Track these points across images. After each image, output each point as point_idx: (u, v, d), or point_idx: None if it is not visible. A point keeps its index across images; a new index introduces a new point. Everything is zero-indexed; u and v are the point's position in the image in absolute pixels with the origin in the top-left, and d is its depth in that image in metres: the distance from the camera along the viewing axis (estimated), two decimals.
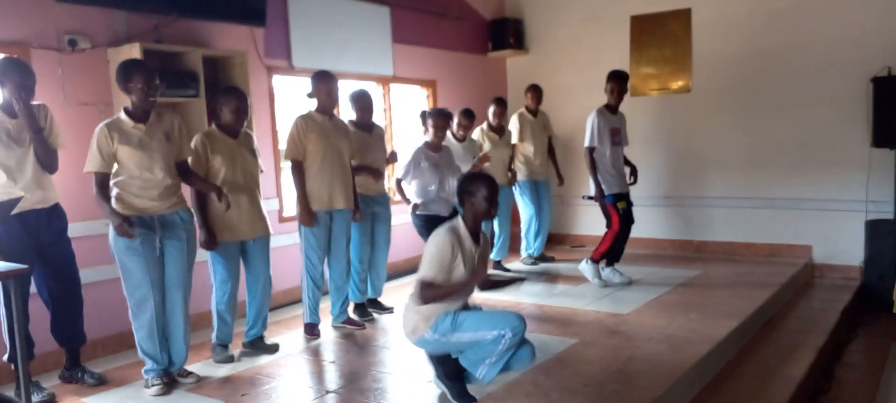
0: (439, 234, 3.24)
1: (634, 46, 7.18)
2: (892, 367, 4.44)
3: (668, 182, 7.16)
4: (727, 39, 6.67)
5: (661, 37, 7.03)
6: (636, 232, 5.93)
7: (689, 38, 6.86)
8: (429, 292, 3.19)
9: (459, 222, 3.30)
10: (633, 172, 5.85)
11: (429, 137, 5.14)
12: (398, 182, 5.21)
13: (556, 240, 7.77)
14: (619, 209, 5.62)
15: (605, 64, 7.34)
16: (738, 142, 6.73)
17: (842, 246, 6.26)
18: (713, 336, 4.21)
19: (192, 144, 3.99)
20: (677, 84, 6.95)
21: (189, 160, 3.91)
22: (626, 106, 5.71)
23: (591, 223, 7.66)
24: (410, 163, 5.07)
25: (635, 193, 6.01)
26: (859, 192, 6.07)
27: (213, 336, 4.21)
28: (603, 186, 5.53)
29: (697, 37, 6.83)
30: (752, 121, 6.63)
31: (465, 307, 3.39)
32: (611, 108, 5.64)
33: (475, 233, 3.32)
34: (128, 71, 3.59)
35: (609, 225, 5.71)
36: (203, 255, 4.13)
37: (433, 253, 3.20)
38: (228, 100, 4.05)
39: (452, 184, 5.02)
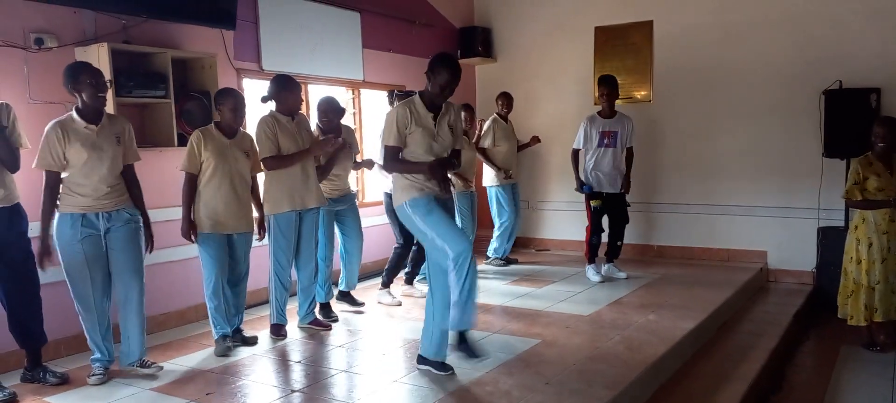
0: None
1: (598, 56, 7.34)
2: (841, 368, 4.59)
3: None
4: (687, 51, 6.86)
5: (623, 48, 7.20)
6: None
7: (651, 49, 7.05)
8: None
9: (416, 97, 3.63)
10: (625, 182, 6.06)
11: None
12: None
13: (522, 244, 7.88)
14: (591, 205, 5.98)
15: (570, 73, 7.52)
16: (697, 151, 6.92)
17: (795, 251, 6.46)
18: (670, 337, 4.34)
19: (189, 141, 4.15)
20: (639, 93, 7.13)
21: (183, 162, 4.13)
22: (590, 113, 5.85)
23: (557, 227, 7.82)
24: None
25: None
26: (812, 200, 6.28)
27: (213, 328, 4.32)
28: (582, 180, 5.96)
29: (658, 48, 7.02)
30: (710, 131, 6.83)
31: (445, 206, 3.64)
32: (603, 113, 5.96)
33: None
34: (74, 70, 3.70)
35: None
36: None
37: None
38: (225, 99, 4.25)
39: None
